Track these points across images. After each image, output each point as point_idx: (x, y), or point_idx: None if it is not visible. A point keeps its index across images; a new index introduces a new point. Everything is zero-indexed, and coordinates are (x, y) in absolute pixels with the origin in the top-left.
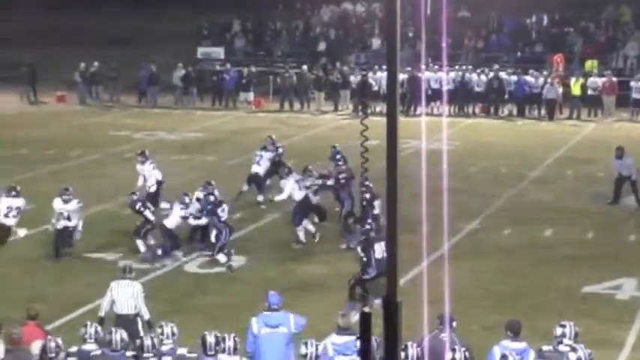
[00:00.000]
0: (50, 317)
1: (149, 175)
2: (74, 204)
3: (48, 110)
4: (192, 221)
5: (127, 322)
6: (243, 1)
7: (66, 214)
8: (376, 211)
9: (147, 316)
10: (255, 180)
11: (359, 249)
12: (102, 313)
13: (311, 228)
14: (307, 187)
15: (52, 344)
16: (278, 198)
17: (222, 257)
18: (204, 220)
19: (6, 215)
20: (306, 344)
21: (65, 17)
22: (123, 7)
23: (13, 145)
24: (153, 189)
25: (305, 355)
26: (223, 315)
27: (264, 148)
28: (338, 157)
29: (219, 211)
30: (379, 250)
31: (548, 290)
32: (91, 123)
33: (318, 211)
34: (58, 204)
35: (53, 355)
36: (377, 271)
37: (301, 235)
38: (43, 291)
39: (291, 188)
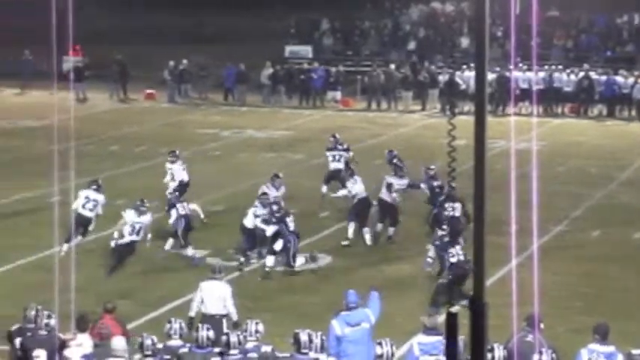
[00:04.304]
0: (136, 313)
1: (177, 175)
2: (148, 217)
3: (137, 107)
4: (259, 224)
5: (214, 322)
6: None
7: (137, 227)
8: (456, 214)
9: (235, 317)
10: (336, 176)
11: (432, 252)
12: (192, 313)
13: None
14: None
15: (149, 342)
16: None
17: (299, 261)
18: (272, 228)
19: (83, 206)
20: (380, 344)
21: (159, 16)
22: (217, 7)
23: (104, 142)
24: (174, 189)
25: (381, 356)
26: (311, 314)
27: (333, 149)
28: (395, 161)
29: (287, 220)
30: (454, 253)
31: (637, 293)
32: (179, 120)
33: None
34: (130, 216)
35: (149, 352)
36: (452, 275)
37: (350, 232)
38: (129, 286)
39: (356, 189)
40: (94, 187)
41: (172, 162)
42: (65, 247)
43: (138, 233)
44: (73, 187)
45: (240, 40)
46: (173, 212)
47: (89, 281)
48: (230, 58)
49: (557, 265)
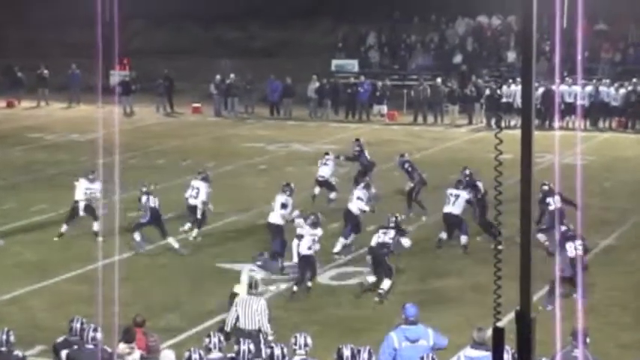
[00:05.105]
0: (182, 327)
1: (202, 194)
2: (98, 185)
3: (184, 121)
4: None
5: (250, 337)
6: (380, 13)
7: (89, 193)
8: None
9: (269, 333)
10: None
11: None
12: (227, 328)
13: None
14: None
15: (196, 356)
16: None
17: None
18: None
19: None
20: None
21: (206, 30)
22: (264, 21)
23: (150, 156)
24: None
25: None
26: (358, 328)
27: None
28: (406, 166)
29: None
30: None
31: None
32: (225, 134)
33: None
34: (83, 184)
35: None
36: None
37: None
38: (175, 300)
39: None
40: (90, 177)
41: (203, 180)
42: (64, 227)
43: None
44: (118, 200)
45: (286, 54)
46: (143, 201)
47: (136, 294)
48: (276, 71)
49: (605, 279)
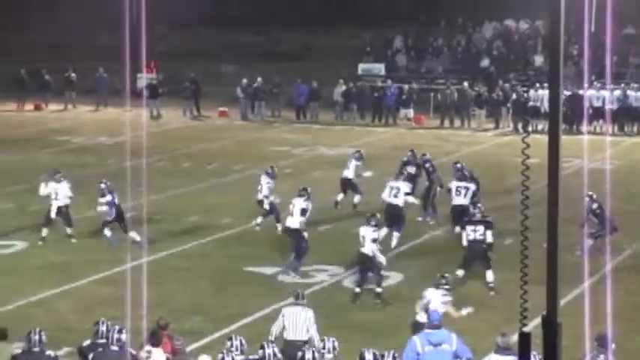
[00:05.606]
0: (208, 329)
1: (265, 189)
2: (64, 185)
3: (210, 125)
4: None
5: (296, 348)
6: (407, 17)
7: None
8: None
9: (318, 342)
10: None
11: None
12: (272, 338)
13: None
14: None
15: (229, 359)
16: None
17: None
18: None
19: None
20: None
21: (233, 33)
22: (291, 24)
23: (176, 159)
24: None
25: None
26: (381, 332)
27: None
28: (427, 165)
29: None
30: None
31: None
32: (251, 138)
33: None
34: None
35: None
36: None
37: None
38: (202, 303)
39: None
40: (57, 176)
41: (270, 177)
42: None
43: (57, 198)
44: (145, 203)
45: (313, 58)
46: (106, 199)
47: (162, 298)
48: (303, 75)
49: (632, 285)
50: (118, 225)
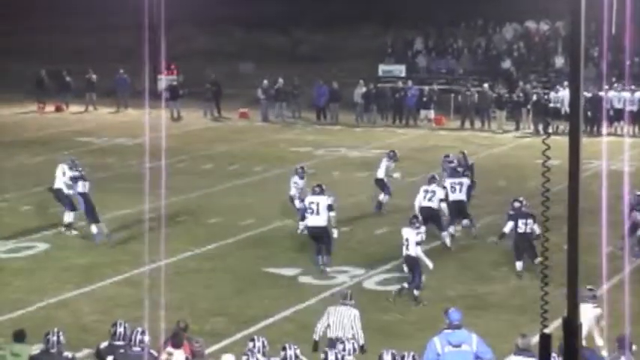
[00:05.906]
0: (230, 331)
1: (292, 189)
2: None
3: (231, 126)
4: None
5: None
6: (427, 18)
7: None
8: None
9: (362, 340)
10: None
11: None
12: (316, 337)
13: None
14: None
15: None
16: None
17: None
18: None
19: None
20: None
21: (253, 34)
22: (312, 26)
23: (197, 160)
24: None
25: None
26: (402, 333)
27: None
28: (453, 166)
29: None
30: None
31: None
32: (272, 139)
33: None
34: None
35: None
36: None
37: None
38: (223, 304)
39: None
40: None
41: (301, 177)
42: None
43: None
44: (163, 205)
45: (333, 59)
46: (73, 174)
47: (184, 299)
48: (323, 76)
49: None
50: (88, 218)
